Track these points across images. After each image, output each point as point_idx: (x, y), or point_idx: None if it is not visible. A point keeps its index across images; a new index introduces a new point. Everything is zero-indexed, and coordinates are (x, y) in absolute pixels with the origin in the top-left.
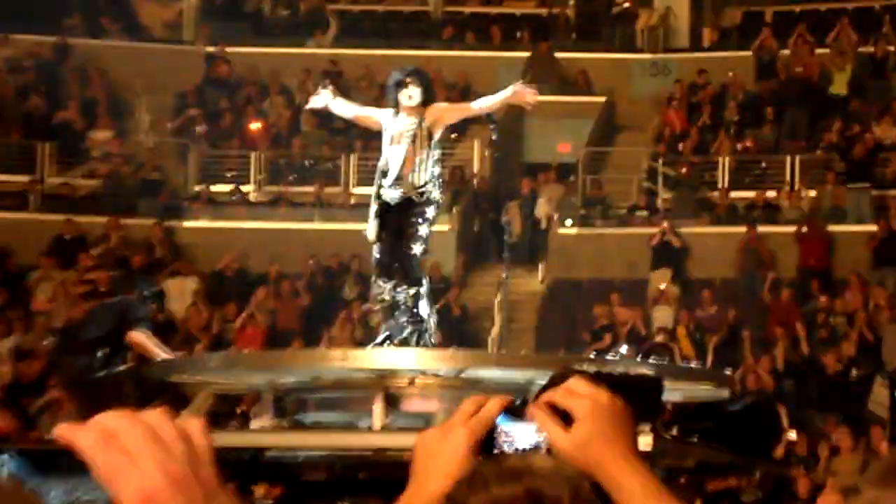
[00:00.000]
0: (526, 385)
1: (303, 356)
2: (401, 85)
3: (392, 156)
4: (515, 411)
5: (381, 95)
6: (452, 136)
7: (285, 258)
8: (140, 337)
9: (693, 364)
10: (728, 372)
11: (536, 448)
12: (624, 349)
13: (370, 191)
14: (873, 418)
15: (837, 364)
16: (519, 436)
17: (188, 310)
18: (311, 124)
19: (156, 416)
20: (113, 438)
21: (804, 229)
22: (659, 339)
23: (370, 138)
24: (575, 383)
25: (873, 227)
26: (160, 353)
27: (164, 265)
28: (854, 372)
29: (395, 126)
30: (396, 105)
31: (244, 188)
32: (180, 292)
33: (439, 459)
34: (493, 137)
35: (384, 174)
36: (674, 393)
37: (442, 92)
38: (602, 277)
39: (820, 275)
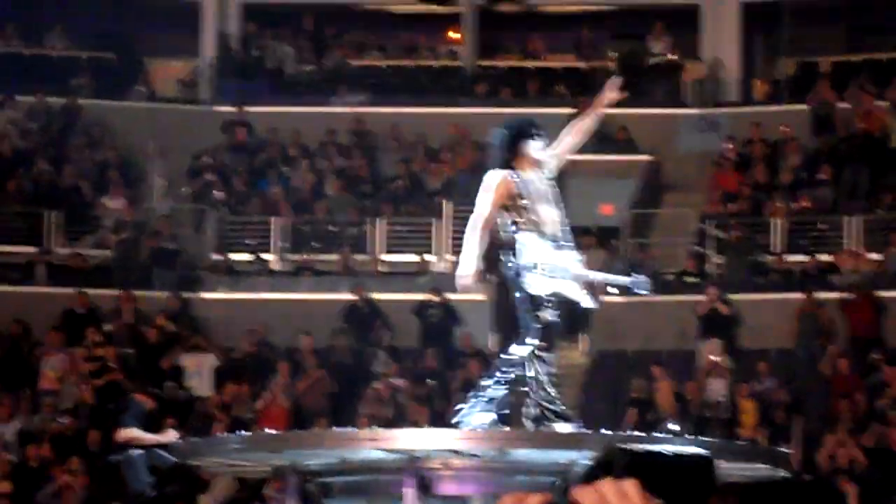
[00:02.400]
0: (568, 466)
1: (328, 436)
2: (526, 135)
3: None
4: None
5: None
6: None
7: (310, 331)
8: (129, 433)
9: (751, 441)
10: (785, 450)
11: None
12: (675, 426)
13: (400, 258)
14: None
15: None
16: None
17: (208, 388)
18: (336, 187)
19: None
20: None
21: (851, 296)
22: (715, 413)
23: (398, 202)
24: (604, 486)
25: None
26: (158, 439)
27: (180, 340)
28: None
29: (532, 184)
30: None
31: (265, 256)
32: (198, 369)
33: None
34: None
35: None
36: (730, 473)
37: (470, 152)
38: (649, 348)
39: (871, 344)
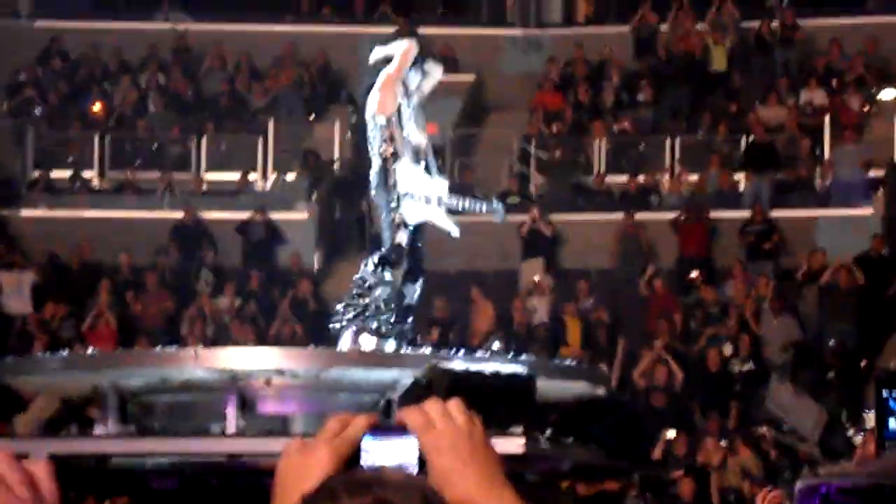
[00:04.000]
0: (390, 384)
1: (150, 356)
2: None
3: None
4: (380, 430)
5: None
6: (310, 117)
7: (132, 249)
8: None
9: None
10: (603, 368)
11: (401, 467)
12: (497, 344)
13: (223, 176)
14: (770, 418)
15: (718, 359)
16: (383, 455)
17: (24, 305)
18: (159, 105)
19: (1, 460)
20: None
21: (683, 217)
22: (537, 332)
23: (221, 120)
24: (430, 406)
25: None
26: None
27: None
28: (738, 368)
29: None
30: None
31: (86, 174)
32: (17, 286)
33: (302, 479)
34: (353, 119)
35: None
36: (549, 391)
37: (293, 70)
38: (472, 269)
39: (700, 264)
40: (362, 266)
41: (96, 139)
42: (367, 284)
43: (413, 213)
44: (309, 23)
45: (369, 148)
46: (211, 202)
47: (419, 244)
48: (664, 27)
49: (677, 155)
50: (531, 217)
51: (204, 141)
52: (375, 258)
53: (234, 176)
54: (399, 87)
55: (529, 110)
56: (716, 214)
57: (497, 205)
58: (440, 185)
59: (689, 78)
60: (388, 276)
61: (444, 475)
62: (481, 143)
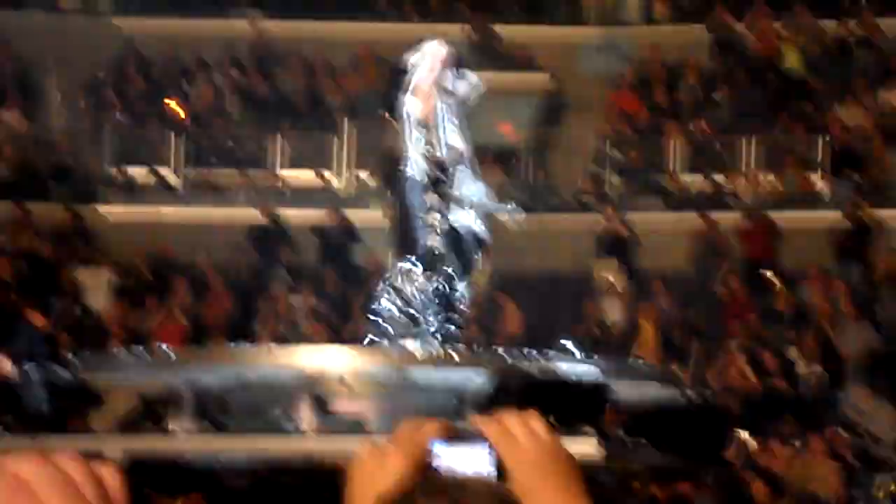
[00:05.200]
0: (465, 385)
1: (225, 353)
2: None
3: None
4: (453, 436)
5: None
6: (386, 115)
7: (209, 247)
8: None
9: (645, 361)
10: (677, 369)
11: (478, 475)
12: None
13: (300, 175)
14: (845, 423)
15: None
16: (456, 462)
17: (104, 303)
18: (235, 103)
19: (68, 459)
20: (22, 484)
21: (745, 220)
22: (612, 333)
23: (298, 118)
24: (507, 417)
25: (833, 215)
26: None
27: (76, 255)
28: (806, 370)
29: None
30: None
31: (162, 171)
32: (95, 283)
33: (374, 482)
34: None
35: None
36: (623, 393)
37: (371, 69)
38: (548, 268)
39: (767, 266)
40: (392, 268)
41: (173, 137)
42: (395, 286)
43: (448, 218)
44: (386, 21)
45: (407, 150)
46: (287, 201)
47: (464, 246)
48: (741, 27)
49: (754, 155)
50: (606, 217)
51: (280, 139)
52: (408, 262)
53: (309, 175)
54: (434, 90)
55: (606, 110)
56: (793, 215)
57: (515, 207)
58: (478, 190)
59: (767, 79)
60: (420, 278)
61: (525, 490)
62: (557, 144)
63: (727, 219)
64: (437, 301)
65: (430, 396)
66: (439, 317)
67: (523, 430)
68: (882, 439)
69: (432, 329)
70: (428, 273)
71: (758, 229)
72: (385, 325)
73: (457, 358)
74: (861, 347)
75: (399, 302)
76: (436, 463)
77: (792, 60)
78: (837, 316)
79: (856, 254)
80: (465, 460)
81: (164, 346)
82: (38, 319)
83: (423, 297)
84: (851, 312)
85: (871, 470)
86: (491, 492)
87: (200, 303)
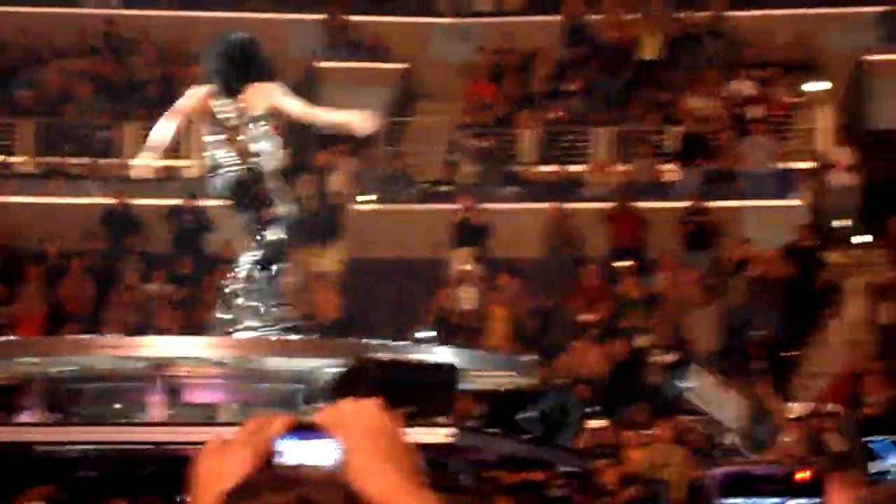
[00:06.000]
0: (316, 373)
1: (76, 342)
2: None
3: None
4: (298, 431)
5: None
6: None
7: (60, 236)
8: None
9: (497, 349)
10: (530, 359)
11: (321, 466)
12: (426, 333)
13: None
14: (688, 409)
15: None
16: (302, 455)
17: None
18: (87, 90)
19: None
20: None
21: (614, 207)
22: (466, 321)
23: (151, 106)
24: (346, 405)
25: (683, 204)
26: None
27: None
28: (659, 358)
29: None
30: None
31: (13, 159)
32: None
33: (220, 478)
34: None
35: None
36: (476, 381)
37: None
38: (403, 257)
39: (632, 255)
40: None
41: (24, 124)
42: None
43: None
44: (239, 10)
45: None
46: (140, 189)
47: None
48: (594, 17)
49: (607, 145)
50: (462, 206)
51: (133, 127)
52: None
53: (163, 163)
54: None
55: (461, 100)
56: (645, 205)
57: None
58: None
59: (620, 68)
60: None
61: (363, 473)
62: (412, 132)
63: (580, 209)
64: (272, 289)
65: (283, 385)
66: (276, 306)
67: (359, 417)
68: (728, 427)
69: (269, 317)
70: (268, 261)
71: (617, 218)
72: (233, 313)
73: (311, 346)
74: (709, 335)
75: (245, 290)
76: (282, 457)
77: (649, 50)
78: (687, 304)
79: (705, 243)
80: (311, 453)
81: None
82: None
83: (264, 285)
84: (700, 300)
85: (718, 456)
86: (334, 482)
87: (56, 291)
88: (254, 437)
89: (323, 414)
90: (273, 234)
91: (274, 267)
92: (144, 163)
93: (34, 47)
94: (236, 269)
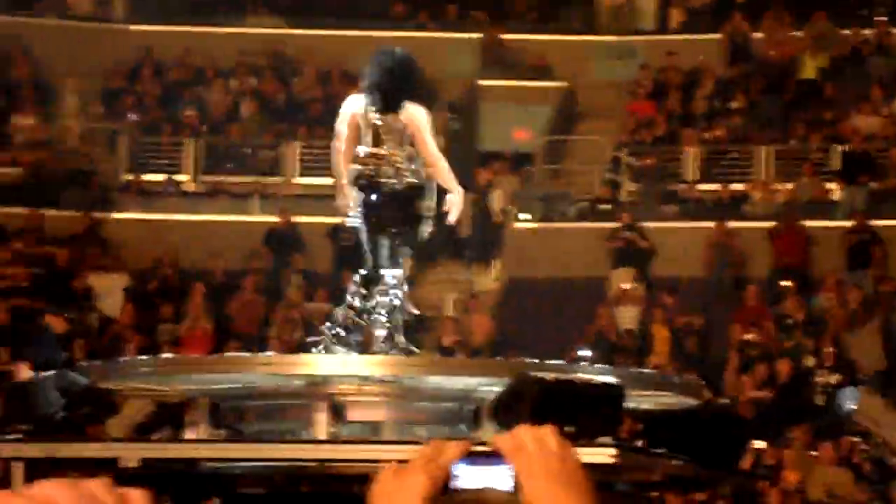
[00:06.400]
0: (480, 392)
1: (241, 361)
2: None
3: None
4: (474, 456)
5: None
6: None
7: (224, 254)
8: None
9: (663, 370)
10: (695, 379)
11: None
12: (586, 353)
13: (314, 181)
14: (856, 430)
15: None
16: (477, 481)
17: (118, 309)
18: (251, 109)
19: (98, 486)
20: None
21: (778, 226)
22: (627, 341)
23: (313, 125)
24: (522, 431)
25: (847, 223)
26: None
27: (91, 261)
28: (825, 378)
29: None
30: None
31: (178, 178)
32: (109, 290)
33: (396, 503)
34: (456, 127)
35: None
36: (640, 401)
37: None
38: (562, 276)
39: (796, 274)
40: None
41: (189, 143)
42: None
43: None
44: (402, 29)
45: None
46: (303, 207)
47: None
48: (758, 35)
49: (769, 163)
50: (622, 224)
51: (296, 146)
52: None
53: (326, 181)
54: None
55: (622, 118)
56: (808, 224)
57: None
58: None
59: (782, 86)
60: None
61: (539, 500)
62: (572, 150)
63: (743, 227)
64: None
65: (447, 404)
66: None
67: (536, 444)
68: None
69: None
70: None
71: (782, 237)
72: (388, 332)
73: (474, 365)
74: (874, 355)
75: (400, 310)
76: (457, 483)
77: (809, 69)
78: (851, 324)
79: (869, 262)
80: (486, 479)
81: (179, 354)
82: (58, 325)
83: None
84: (865, 321)
85: (887, 478)
86: None
87: (222, 309)
88: (431, 462)
89: (499, 439)
90: (409, 253)
91: (404, 287)
92: (343, 201)
93: (198, 66)
94: (375, 290)
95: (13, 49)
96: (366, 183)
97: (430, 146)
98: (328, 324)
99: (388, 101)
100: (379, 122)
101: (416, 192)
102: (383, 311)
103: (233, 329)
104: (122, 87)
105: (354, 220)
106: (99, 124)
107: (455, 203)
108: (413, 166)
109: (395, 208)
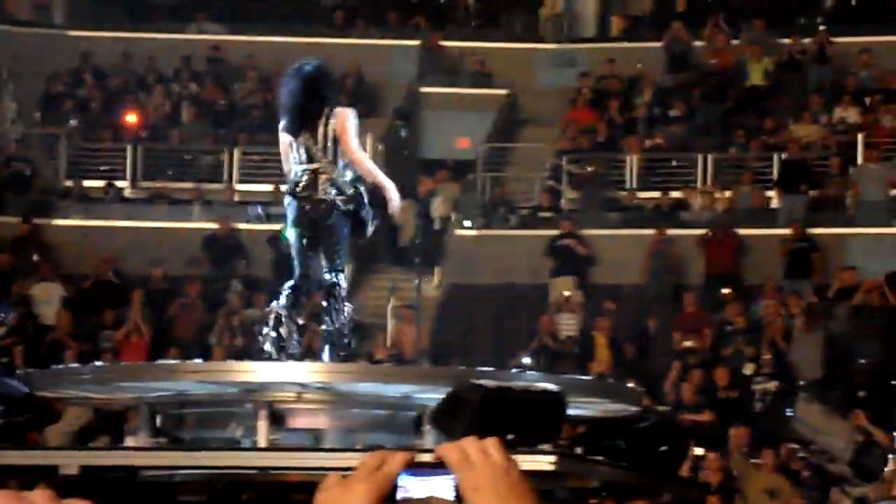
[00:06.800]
0: (420, 399)
1: (181, 368)
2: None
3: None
4: (418, 467)
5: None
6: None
7: (165, 260)
8: None
9: (601, 376)
10: (635, 386)
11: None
12: (527, 360)
13: (255, 188)
14: (795, 438)
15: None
16: (421, 491)
17: (56, 316)
18: (192, 115)
19: (42, 497)
20: None
21: (710, 233)
22: (567, 348)
23: (255, 131)
24: (467, 444)
25: (786, 231)
26: None
27: (31, 267)
28: (762, 385)
29: None
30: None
31: (119, 184)
32: (48, 296)
33: None
34: (403, 134)
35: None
36: (580, 408)
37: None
38: (504, 282)
39: (728, 281)
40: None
41: (129, 149)
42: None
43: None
44: (342, 35)
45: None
46: (243, 213)
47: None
48: (698, 43)
49: (709, 171)
50: (563, 231)
51: (236, 152)
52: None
53: (266, 188)
54: None
55: (562, 125)
56: (748, 232)
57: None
58: None
59: (722, 94)
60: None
61: None
62: (514, 158)
63: (682, 234)
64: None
65: (388, 411)
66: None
67: (481, 456)
68: (836, 455)
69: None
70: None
71: (714, 244)
72: (331, 339)
73: (414, 372)
74: (812, 363)
75: (341, 317)
76: (401, 494)
77: (756, 74)
78: (790, 331)
79: (808, 270)
80: (430, 489)
81: (116, 361)
82: None
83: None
84: (804, 328)
85: (827, 485)
86: None
87: (161, 316)
88: (375, 472)
89: (443, 450)
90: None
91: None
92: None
93: (138, 72)
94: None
95: None
96: (304, 196)
97: (353, 143)
98: (265, 329)
99: (300, 122)
100: (305, 137)
101: (357, 200)
102: (329, 319)
103: (171, 335)
104: (62, 93)
105: (289, 230)
106: (38, 129)
107: (391, 197)
108: (349, 175)
109: (336, 220)
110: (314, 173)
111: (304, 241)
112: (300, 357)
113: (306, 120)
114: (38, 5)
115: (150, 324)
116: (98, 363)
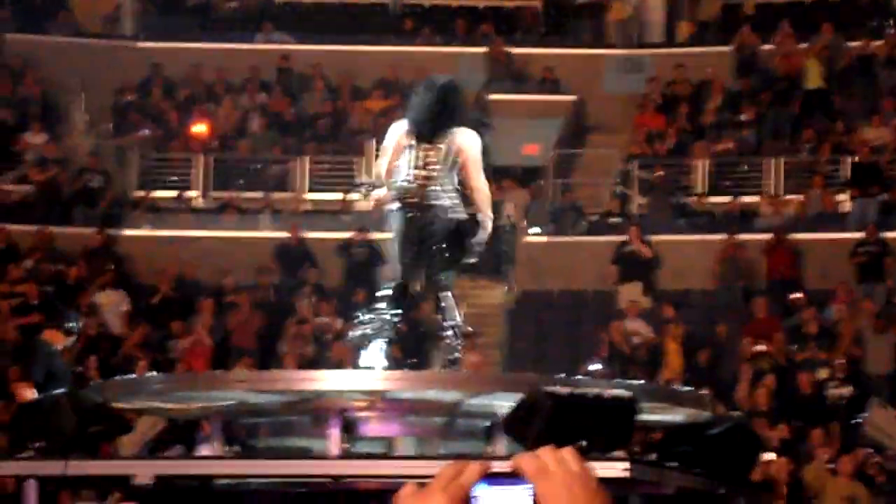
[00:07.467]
0: (493, 407)
1: (253, 377)
2: None
3: None
4: (494, 477)
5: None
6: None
7: (234, 270)
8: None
9: (672, 382)
10: (707, 392)
11: None
12: (597, 366)
13: (324, 196)
14: (868, 443)
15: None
16: (497, 502)
17: (124, 326)
18: (260, 125)
19: None
20: None
21: (773, 240)
22: (637, 354)
23: (323, 140)
24: (544, 453)
25: (858, 235)
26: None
27: (100, 278)
28: (836, 391)
29: None
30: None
31: (189, 194)
32: (113, 304)
33: None
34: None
35: None
36: (652, 415)
37: (398, 92)
38: (573, 289)
39: (789, 287)
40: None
41: (199, 160)
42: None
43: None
44: (410, 44)
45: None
46: (312, 222)
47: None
48: (766, 47)
49: (780, 175)
50: (631, 237)
51: (305, 161)
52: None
53: (335, 196)
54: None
55: (631, 131)
56: (818, 236)
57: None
58: None
59: (789, 98)
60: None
61: None
62: (582, 164)
63: (753, 240)
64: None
65: (461, 419)
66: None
67: (558, 466)
68: None
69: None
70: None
71: (784, 250)
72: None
73: (487, 379)
74: (885, 367)
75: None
76: None
77: (814, 77)
78: (863, 336)
79: (880, 273)
80: (506, 500)
81: (191, 369)
82: (57, 340)
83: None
84: (876, 332)
85: None
86: None
87: (227, 325)
88: (451, 482)
89: (520, 460)
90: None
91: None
92: (377, 193)
93: (208, 82)
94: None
95: (23, 66)
96: (414, 202)
97: (478, 175)
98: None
99: (427, 134)
100: (426, 147)
101: (470, 224)
102: (447, 332)
103: (233, 344)
104: (132, 104)
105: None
106: (109, 141)
107: (486, 227)
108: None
109: (450, 239)
110: (427, 180)
111: (408, 247)
112: (393, 366)
113: (433, 131)
114: (107, 17)
115: (216, 333)
116: (170, 373)
